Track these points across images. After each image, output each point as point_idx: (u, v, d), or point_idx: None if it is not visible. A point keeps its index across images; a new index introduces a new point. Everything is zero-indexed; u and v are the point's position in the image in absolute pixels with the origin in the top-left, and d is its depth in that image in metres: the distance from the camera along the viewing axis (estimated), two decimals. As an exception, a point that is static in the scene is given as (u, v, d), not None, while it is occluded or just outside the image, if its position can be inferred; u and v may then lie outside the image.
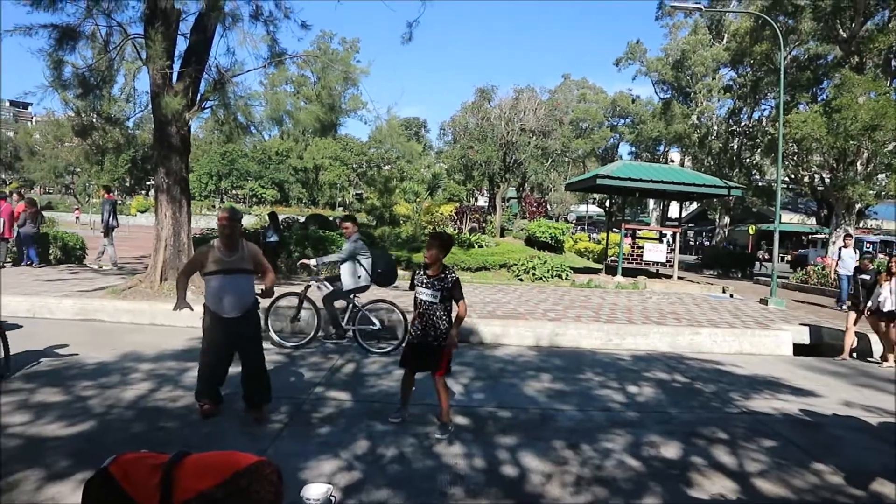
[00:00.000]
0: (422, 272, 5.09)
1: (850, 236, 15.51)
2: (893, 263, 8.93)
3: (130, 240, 28.02)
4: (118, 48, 11.58)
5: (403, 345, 5.36)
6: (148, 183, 67.02)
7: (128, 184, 69.85)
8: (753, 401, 6.58)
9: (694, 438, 5.21)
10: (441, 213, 23.60)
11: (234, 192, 72.31)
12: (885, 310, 8.85)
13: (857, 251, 15.08)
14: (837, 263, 14.83)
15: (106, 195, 15.87)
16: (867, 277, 9.40)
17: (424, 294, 5.00)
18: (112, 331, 8.66)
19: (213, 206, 62.48)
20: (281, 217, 18.32)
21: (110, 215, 15.14)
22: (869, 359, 9.57)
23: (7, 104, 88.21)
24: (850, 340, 9.48)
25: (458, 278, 5.10)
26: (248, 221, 31.69)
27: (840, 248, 15.14)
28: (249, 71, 12.06)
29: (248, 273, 5.10)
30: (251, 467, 1.60)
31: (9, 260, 14.63)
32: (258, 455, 1.75)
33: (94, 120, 13.83)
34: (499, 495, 3.92)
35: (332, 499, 3.66)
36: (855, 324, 9.45)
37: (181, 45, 11.12)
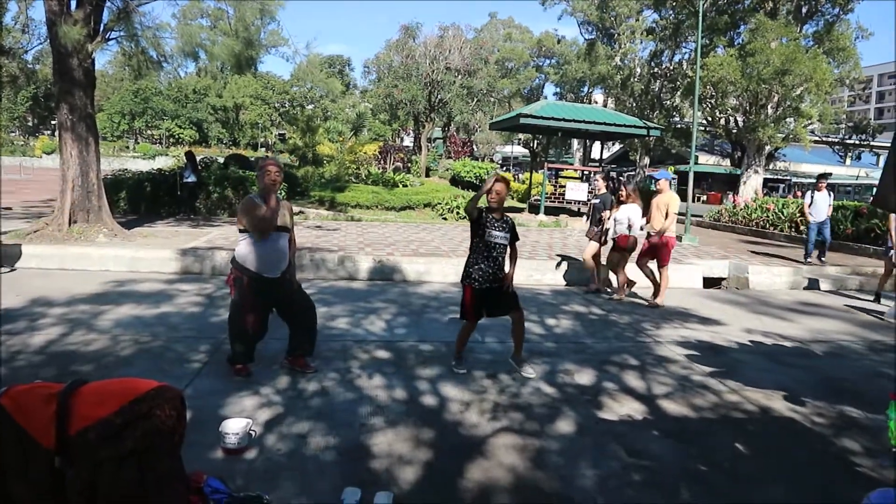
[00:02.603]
0: (491, 216, 4.97)
1: (825, 176, 12.82)
2: (622, 193, 8.68)
3: (36, 182, 26.44)
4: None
5: (466, 297, 5.05)
6: (52, 122, 62.88)
7: (30, 123, 65.44)
8: (664, 330, 6.93)
9: (606, 366, 5.47)
10: (365, 153, 23.25)
11: (148, 132, 68.76)
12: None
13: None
14: (809, 208, 12.04)
15: None
16: None
17: (499, 237, 4.92)
18: (17, 276, 8.24)
19: (128, 147, 59.46)
20: (199, 157, 17.62)
21: None
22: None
23: None
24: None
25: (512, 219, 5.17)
26: (165, 163, 30.38)
27: (812, 192, 12.30)
28: (157, 0, 11.38)
29: (286, 231, 4.76)
30: (151, 392, 1.57)
31: None
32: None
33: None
34: (418, 423, 4.03)
35: (252, 433, 3.70)
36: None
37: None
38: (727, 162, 34.22)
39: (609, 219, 8.81)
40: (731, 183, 35.48)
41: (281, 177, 4.78)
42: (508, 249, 5.09)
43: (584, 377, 5.13)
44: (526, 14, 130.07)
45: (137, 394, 1.56)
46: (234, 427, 3.52)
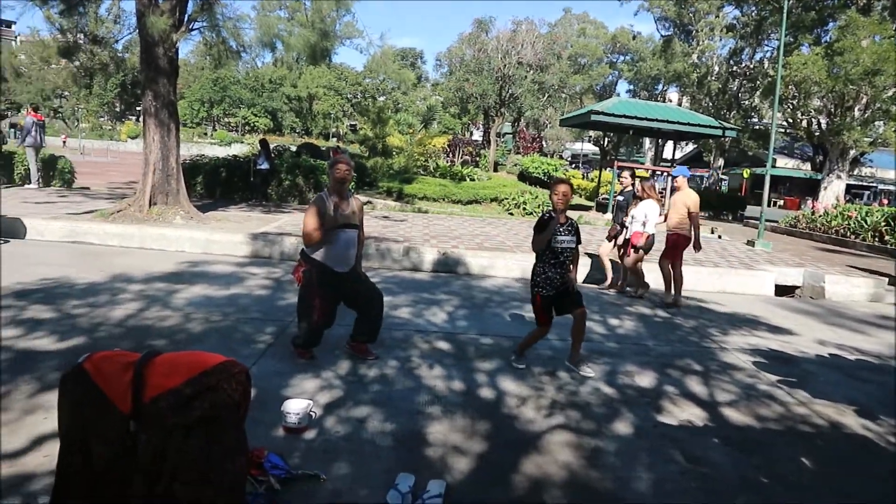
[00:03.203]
0: (555, 220, 4.93)
1: None
2: (639, 189, 8.46)
3: (121, 165, 27.76)
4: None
5: (536, 304, 5.07)
6: (138, 108, 65.73)
7: (118, 109, 68.57)
8: (731, 336, 6.73)
9: (668, 369, 5.36)
10: (433, 146, 23.39)
11: (226, 119, 71.08)
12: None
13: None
14: None
15: (32, 114, 15.07)
16: None
17: (566, 242, 4.94)
18: (101, 253, 8.69)
19: (206, 134, 61.61)
20: (272, 145, 18.12)
21: (38, 134, 14.58)
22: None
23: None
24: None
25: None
26: (240, 150, 31.36)
27: None
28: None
29: (355, 227, 4.84)
30: (219, 366, 1.65)
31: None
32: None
33: (80, 40, 13.47)
34: (474, 415, 4.06)
35: (313, 413, 3.81)
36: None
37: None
38: (807, 166, 32.81)
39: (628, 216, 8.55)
40: (810, 188, 33.94)
41: (351, 174, 4.86)
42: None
43: (645, 379, 5.05)
44: (601, 9, 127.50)
45: (206, 367, 1.65)
46: (295, 407, 3.64)
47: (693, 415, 4.38)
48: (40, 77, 54.46)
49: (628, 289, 8.75)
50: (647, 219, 8.14)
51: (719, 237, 15.49)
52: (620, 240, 8.73)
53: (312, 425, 3.69)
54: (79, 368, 1.70)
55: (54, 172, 15.82)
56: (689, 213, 7.91)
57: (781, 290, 10.07)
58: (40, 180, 14.98)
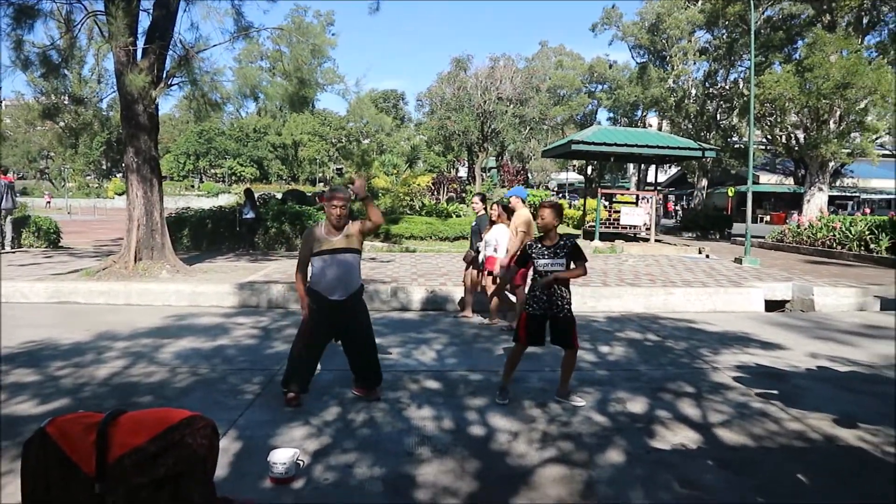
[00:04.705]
0: (538, 244, 4.99)
1: None
2: (493, 214, 8.12)
3: (107, 223, 27.75)
4: (81, 26, 11.38)
5: (516, 322, 5.15)
6: (123, 165, 66.03)
7: (104, 167, 68.83)
8: (722, 356, 6.71)
9: (661, 393, 5.32)
10: (418, 185, 23.55)
11: (212, 170, 71.44)
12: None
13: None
14: None
15: (2, 177, 15.05)
16: None
17: (548, 265, 4.88)
18: (87, 312, 8.63)
19: (192, 186, 61.83)
20: (257, 194, 18.20)
21: (9, 196, 14.54)
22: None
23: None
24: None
25: (576, 241, 5.05)
26: (227, 200, 31.45)
27: None
28: (215, 46, 11.97)
29: (354, 252, 4.82)
30: (183, 421, 1.63)
31: None
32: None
33: (64, 101, 13.60)
34: (465, 454, 4.00)
35: (300, 462, 3.74)
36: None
37: (145, 22, 10.96)
38: (790, 180, 33.18)
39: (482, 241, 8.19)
40: (794, 202, 34.28)
41: (346, 210, 4.83)
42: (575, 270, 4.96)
43: (637, 405, 5.01)
44: (577, 41, 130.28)
45: (171, 423, 1.63)
46: (281, 457, 3.58)
47: (687, 438, 4.34)
48: (26, 140, 54.77)
49: (502, 323, 8.11)
50: (497, 244, 7.84)
51: (707, 256, 15.57)
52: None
53: (300, 474, 3.63)
54: (41, 432, 1.68)
55: (39, 233, 15.76)
56: (517, 233, 7.58)
57: (771, 306, 10.08)
58: (13, 241, 14.93)
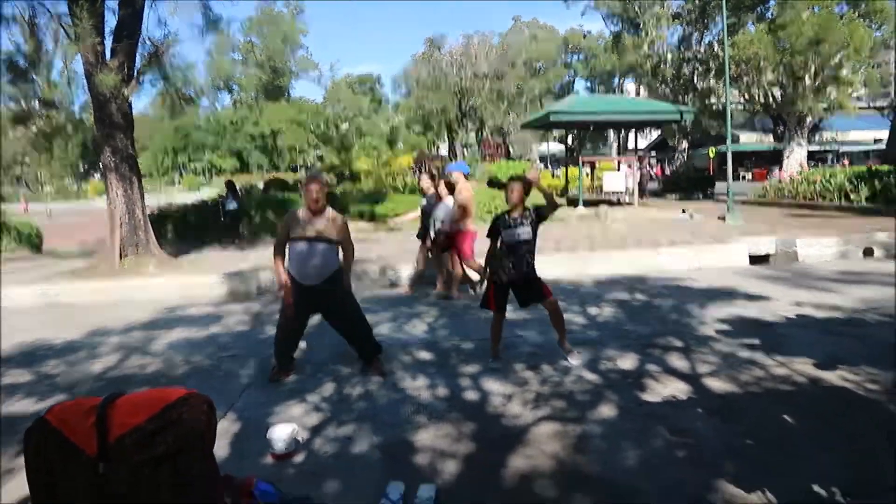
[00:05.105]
0: (506, 216, 5.17)
1: None
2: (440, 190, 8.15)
3: (90, 224, 27.45)
4: (47, 29, 11.21)
5: (485, 289, 5.36)
6: (101, 165, 65.17)
7: (82, 169, 67.88)
8: (709, 310, 6.82)
9: (650, 349, 5.42)
10: (399, 165, 23.50)
11: (192, 165, 70.66)
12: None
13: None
14: None
15: None
16: None
17: (521, 234, 5.07)
18: (76, 312, 8.59)
19: (173, 182, 61.27)
20: (239, 185, 18.11)
21: None
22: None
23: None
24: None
25: (537, 208, 5.22)
26: (209, 193, 31.19)
27: None
28: (184, 41, 11.84)
29: (331, 243, 4.89)
30: (180, 399, 1.66)
31: None
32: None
33: (34, 106, 13.43)
34: (460, 418, 4.07)
35: (300, 438, 3.80)
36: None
37: (112, 22, 10.78)
38: (770, 138, 33.37)
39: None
40: (775, 159, 34.49)
41: (322, 195, 4.92)
42: (534, 241, 5.18)
43: (627, 362, 5.10)
44: (550, 14, 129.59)
45: (168, 402, 1.66)
46: (280, 433, 3.63)
47: (677, 389, 4.44)
48: (-1, 147, 53.85)
49: (470, 290, 8.26)
50: (441, 217, 7.94)
51: (691, 217, 15.69)
52: (428, 243, 8.40)
53: (300, 449, 3.69)
54: (41, 420, 1.71)
55: (20, 238, 15.62)
56: (457, 207, 7.80)
57: (756, 260, 10.22)
58: None
